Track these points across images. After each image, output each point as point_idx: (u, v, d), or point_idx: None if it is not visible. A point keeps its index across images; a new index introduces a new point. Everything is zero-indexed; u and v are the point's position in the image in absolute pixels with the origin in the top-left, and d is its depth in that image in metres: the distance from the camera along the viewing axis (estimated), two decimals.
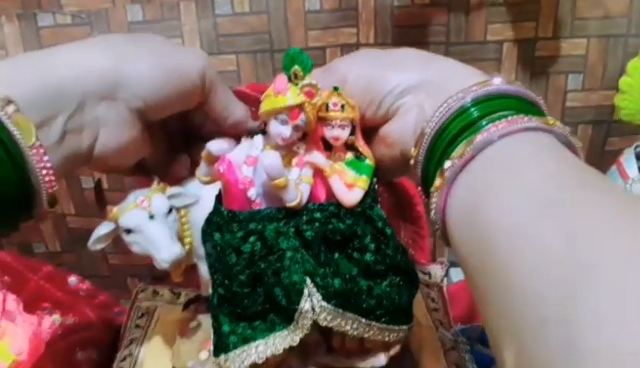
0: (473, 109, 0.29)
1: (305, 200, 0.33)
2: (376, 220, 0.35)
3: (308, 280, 0.33)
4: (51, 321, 0.58)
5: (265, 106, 0.32)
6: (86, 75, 0.32)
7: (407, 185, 0.52)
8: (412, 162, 0.32)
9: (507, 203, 0.26)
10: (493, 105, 0.29)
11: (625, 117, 0.46)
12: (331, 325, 0.33)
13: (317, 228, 0.33)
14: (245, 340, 0.34)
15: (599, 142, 0.68)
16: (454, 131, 0.29)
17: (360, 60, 0.36)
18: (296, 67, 0.32)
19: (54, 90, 0.31)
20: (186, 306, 0.53)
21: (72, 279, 0.62)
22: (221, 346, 0.35)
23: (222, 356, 0.35)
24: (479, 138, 0.28)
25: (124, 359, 0.51)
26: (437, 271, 0.59)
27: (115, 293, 0.68)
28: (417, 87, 0.33)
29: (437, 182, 0.29)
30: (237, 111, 0.39)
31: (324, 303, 0.33)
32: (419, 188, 0.34)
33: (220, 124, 0.39)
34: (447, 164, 0.29)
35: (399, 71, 0.33)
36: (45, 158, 0.29)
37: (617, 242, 0.21)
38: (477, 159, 0.28)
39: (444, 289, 0.58)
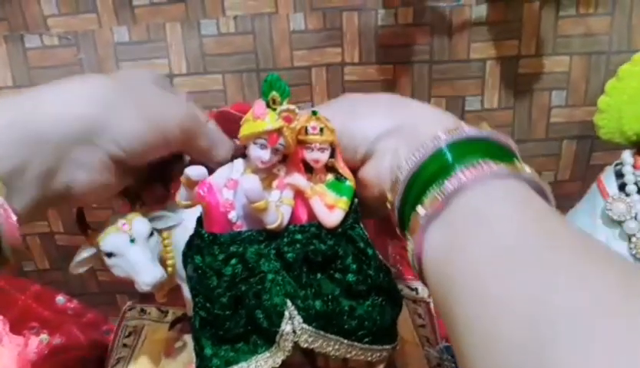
0: (444, 154, 0.30)
1: (285, 222, 0.34)
2: (357, 240, 0.35)
3: (289, 302, 0.33)
4: (38, 341, 0.58)
5: (245, 130, 0.33)
6: (65, 121, 0.31)
7: None
8: (389, 206, 0.33)
9: (472, 258, 0.26)
10: (463, 151, 0.29)
11: (604, 136, 0.46)
12: (312, 347, 0.33)
13: (298, 249, 0.34)
14: (228, 363, 0.34)
15: (584, 157, 0.68)
16: (426, 176, 0.30)
17: (335, 111, 0.36)
18: (274, 92, 0.32)
19: (30, 136, 0.30)
20: (172, 325, 0.53)
21: (60, 298, 0.62)
22: None
23: None
24: (448, 185, 0.28)
25: None
26: (424, 286, 0.59)
27: (104, 310, 0.68)
28: (390, 132, 0.33)
29: (412, 227, 0.30)
30: (220, 153, 0.38)
31: (305, 326, 0.33)
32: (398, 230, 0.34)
33: (202, 162, 0.38)
34: (421, 211, 0.29)
35: (371, 119, 0.34)
36: (12, 217, 0.29)
37: (579, 305, 0.21)
38: (448, 207, 0.28)
39: (431, 305, 0.58)
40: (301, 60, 0.63)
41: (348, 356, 0.35)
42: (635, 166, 0.45)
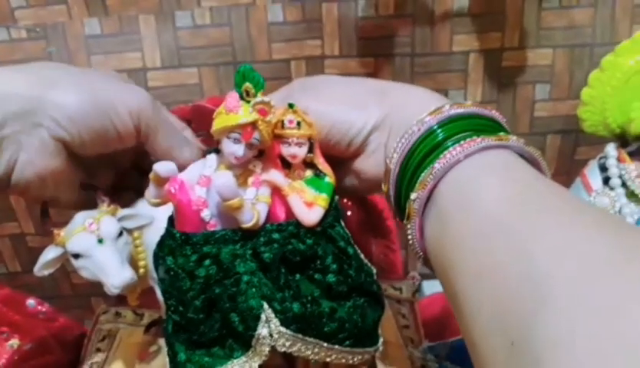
0: (430, 137, 0.30)
1: (262, 220, 0.32)
2: (338, 239, 0.34)
3: (266, 304, 0.32)
4: (8, 346, 0.57)
5: (217, 124, 0.31)
6: (5, 98, 0.31)
7: (376, 200, 0.52)
8: (385, 196, 0.34)
9: (463, 231, 0.27)
10: (448, 130, 0.30)
11: (587, 129, 0.46)
12: (290, 351, 0.32)
13: (275, 249, 0.32)
14: None
15: (568, 151, 0.69)
16: (415, 162, 0.31)
17: (319, 96, 0.35)
18: (247, 84, 0.31)
19: None
20: (147, 328, 0.51)
21: (30, 302, 0.61)
22: None
23: None
24: (437, 166, 0.29)
25: None
26: (408, 285, 0.59)
27: (79, 313, 0.67)
28: (380, 124, 0.34)
29: (409, 213, 0.30)
30: (183, 154, 0.37)
31: (282, 329, 0.32)
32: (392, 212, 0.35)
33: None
34: (413, 196, 0.30)
35: (361, 113, 0.34)
36: None
37: (564, 269, 0.21)
38: (439, 186, 0.29)
39: (416, 304, 0.58)
40: (280, 53, 0.62)
41: (328, 359, 0.34)
42: (619, 159, 0.45)
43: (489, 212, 0.26)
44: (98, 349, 0.55)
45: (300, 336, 0.32)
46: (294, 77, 0.63)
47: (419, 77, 0.64)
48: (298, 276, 0.33)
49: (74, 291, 0.75)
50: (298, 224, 0.33)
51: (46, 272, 0.37)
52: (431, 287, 0.67)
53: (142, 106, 0.34)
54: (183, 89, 0.63)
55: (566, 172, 0.69)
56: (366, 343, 0.35)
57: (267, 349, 0.32)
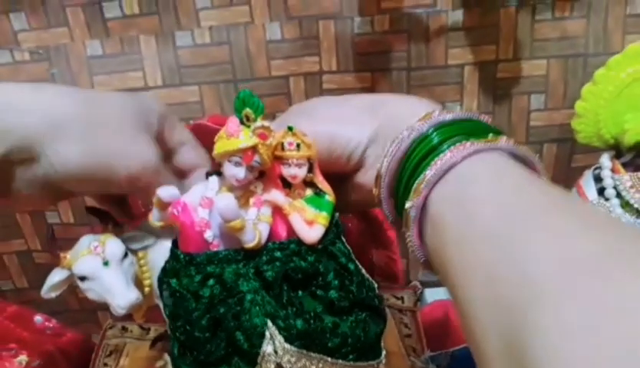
0: (421, 145, 0.31)
1: (264, 240, 0.33)
2: (339, 256, 0.35)
3: (270, 322, 0.32)
4: (16, 363, 0.57)
5: (218, 148, 0.32)
6: (11, 132, 0.31)
7: (376, 212, 0.52)
8: (376, 201, 0.34)
9: (455, 237, 0.27)
10: (440, 134, 0.30)
11: (582, 140, 0.46)
12: (295, 367, 0.33)
13: (278, 267, 0.33)
14: None
15: (565, 159, 0.69)
16: (409, 171, 0.31)
17: (314, 117, 0.36)
18: (247, 109, 0.32)
19: None
20: (153, 343, 0.52)
21: (38, 318, 0.61)
22: None
23: None
24: (429, 174, 0.29)
25: None
26: (410, 295, 0.59)
27: (86, 328, 0.67)
28: (375, 137, 0.34)
29: (406, 222, 0.30)
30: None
31: (287, 345, 0.32)
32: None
33: None
34: (408, 204, 0.30)
35: (357, 127, 0.35)
36: None
37: (557, 266, 0.21)
38: (432, 194, 0.29)
39: (418, 314, 0.58)
40: (279, 70, 0.63)
41: None
42: (613, 170, 0.45)
43: (477, 217, 0.26)
44: (105, 365, 0.55)
45: (304, 351, 0.33)
46: (293, 93, 0.63)
47: (415, 91, 0.64)
48: (300, 293, 0.34)
49: (81, 306, 0.75)
50: (299, 242, 0.34)
51: (53, 294, 0.37)
52: (433, 295, 0.68)
53: (144, 168, 0.35)
54: (184, 107, 0.63)
55: (563, 180, 0.69)
56: (369, 356, 0.35)
57: (272, 365, 0.32)
